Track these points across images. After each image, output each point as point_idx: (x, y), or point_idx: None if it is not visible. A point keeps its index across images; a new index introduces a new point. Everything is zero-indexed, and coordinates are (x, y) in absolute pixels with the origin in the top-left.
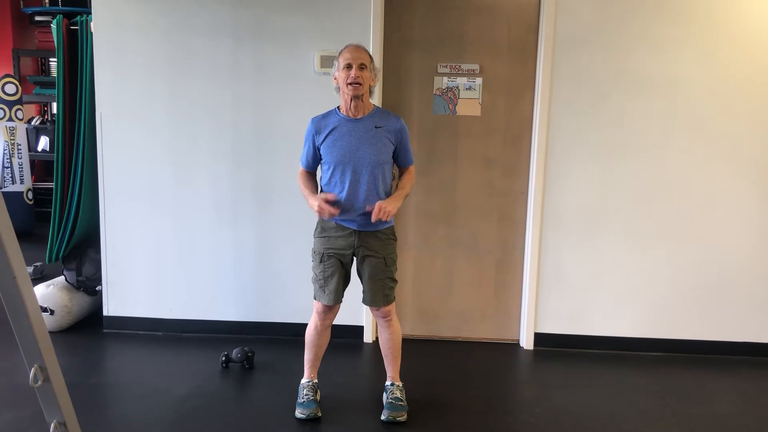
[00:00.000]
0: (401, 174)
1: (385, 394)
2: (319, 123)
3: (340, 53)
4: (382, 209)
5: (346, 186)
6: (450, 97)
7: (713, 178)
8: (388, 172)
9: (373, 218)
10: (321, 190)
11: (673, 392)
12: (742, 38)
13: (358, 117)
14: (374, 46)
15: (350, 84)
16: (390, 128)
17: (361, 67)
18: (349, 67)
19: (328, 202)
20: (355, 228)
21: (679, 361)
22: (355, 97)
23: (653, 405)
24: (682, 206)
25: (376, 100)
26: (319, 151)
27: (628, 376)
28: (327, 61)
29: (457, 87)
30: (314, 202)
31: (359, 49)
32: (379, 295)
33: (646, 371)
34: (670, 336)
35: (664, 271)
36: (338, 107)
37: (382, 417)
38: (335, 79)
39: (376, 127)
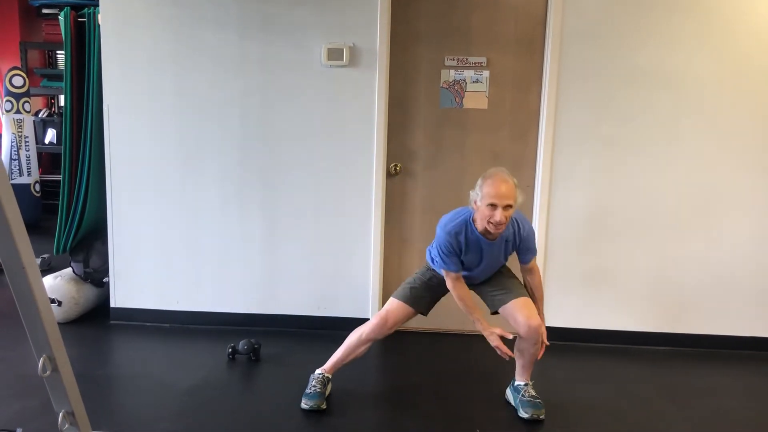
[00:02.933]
0: (525, 273)
1: (513, 392)
2: (456, 238)
3: (483, 181)
4: (544, 339)
5: (470, 277)
6: (457, 90)
7: (721, 173)
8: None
9: (540, 356)
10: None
11: (679, 386)
12: (753, 32)
13: (494, 238)
14: (381, 39)
15: (493, 224)
16: (517, 237)
17: (507, 207)
18: (493, 206)
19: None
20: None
21: (686, 356)
22: (498, 232)
23: (659, 399)
24: (690, 201)
25: (383, 93)
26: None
27: (635, 370)
28: (334, 54)
29: (464, 80)
30: (492, 338)
31: (508, 185)
32: (513, 292)
33: (652, 365)
34: (676, 330)
35: (670, 265)
36: (472, 219)
37: (523, 415)
38: (475, 204)
39: (506, 241)
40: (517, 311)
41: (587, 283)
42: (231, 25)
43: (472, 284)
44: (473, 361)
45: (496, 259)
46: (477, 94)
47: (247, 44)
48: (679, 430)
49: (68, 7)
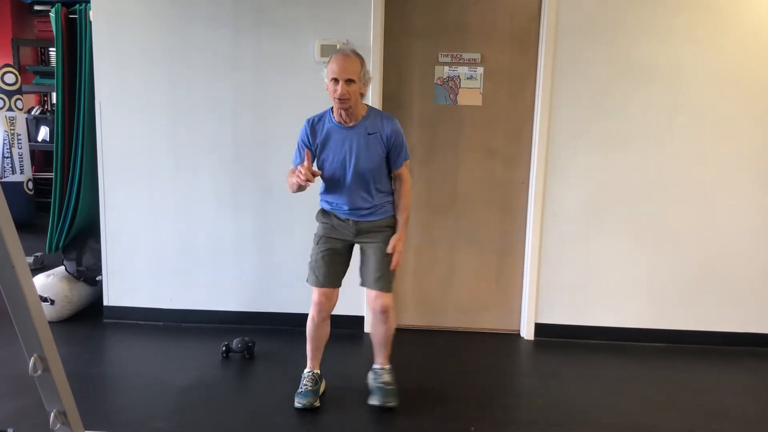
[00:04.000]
0: (395, 181)
1: (372, 377)
2: (313, 126)
3: (329, 60)
4: (397, 252)
5: (343, 190)
6: (451, 87)
7: (715, 169)
8: (382, 174)
9: (394, 266)
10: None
11: (674, 383)
12: (748, 28)
13: (351, 124)
14: (375, 34)
15: (338, 99)
16: (382, 134)
17: (348, 81)
18: (335, 81)
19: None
20: (352, 218)
21: (681, 352)
22: (343, 109)
23: (654, 396)
24: (684, 197)
25: (376, 90)
26: (312, 153)
27: (629, 367)
28: (327, 50)
29: (458, 76)
30: (296, 173)
31: (348, 59)
32: (379, 281)
33: (647, 362)
34: (671, 327)
35: (665, 261)
36: (332, 109)
37: (373, 402)
38: (325, 84)
39: (368, 134)
40: (372, 291)
41: (581, 280)
42: (224, 22)
43: (356, 209)
44: (467, 359)
45: (362, 156)
46: (471, 91)
47: (240, 41)
48: (673, 426)
49: (59, 4)
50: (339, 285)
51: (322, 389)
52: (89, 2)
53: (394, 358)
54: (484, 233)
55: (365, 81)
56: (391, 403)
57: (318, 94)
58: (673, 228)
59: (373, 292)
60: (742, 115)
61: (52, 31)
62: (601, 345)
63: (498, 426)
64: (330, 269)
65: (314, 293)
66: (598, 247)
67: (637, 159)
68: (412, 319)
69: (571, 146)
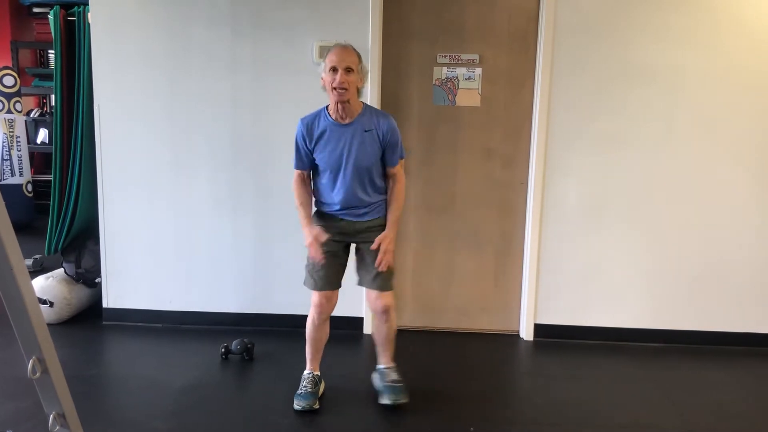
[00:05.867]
0: (388, 179)
1: (378, 378)
2: (308, 125)
3: (326, 53)
4: (386, 252)
5: (338, 189)
6: (449, 88)
7: (714, 169)
8: (378, 172)
9: (383, 267)
10: (314, 186)
11: (673, 383)
12: (746, 28)
13: (347, 122)
14: (373, 36)
15: (335, 89)
16: (378, 131)
17: (347, 70)
18: (334, 70)
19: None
20: (348, 218)
21: (679, 352)
22: (342, 102)
23: (653, 395)
24: (682, 197)
25: (375, 91)
26: (311, 152)
27: (628, 367)
28: (326, 52)
29: (457, 77)
30: (308, 238)
31: (346, 50)
32: (377, 279)
33: (646, 362)
34: (670, 327)
35: (664, 262)
36: (327, 108)
37: (384, 401)
38: (322, 80)
39: (365, 131)
40: (372, 291)
41: (580, 280)
42: (223, 23)
43: (352, 209)
44: (467, 359)
45: (359, 153)
46: (470, 92)
47: (238, 42)
48: (672, 426)
49: (58, 6)
50: (339, 286)
51: (321, 391)
52: (88, 4)
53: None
54: (483, 234)
55: (363, 75)
56: (403, 401)
57: (317, 96)
58: (671, 228)
59: (374, 293)
60: (740, 114)
61: (50, 33)
62: (600, 345)
63: (497, 426)
64: (329, 272)
65: (314, 296)
66: (597, 247)
67: (636, 159)
68: (411, 319)
69: (570, 146)
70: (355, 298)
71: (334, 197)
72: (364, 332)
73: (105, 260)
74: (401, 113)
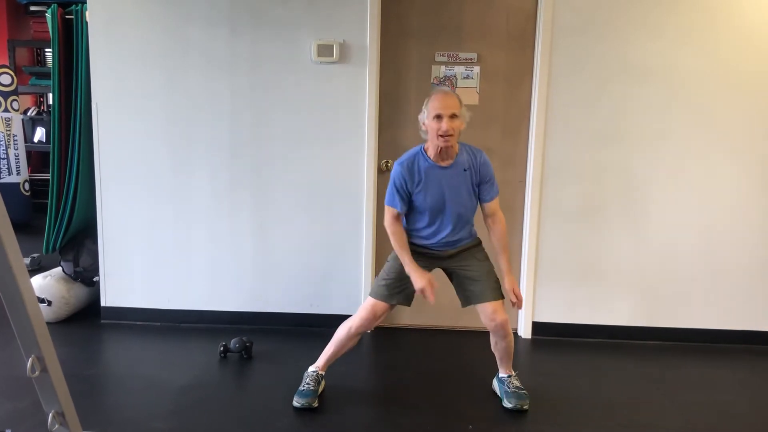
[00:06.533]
0: (487, 217)
1: (499, 385)
2: (409, 167)
3: (429, 100)
4: (519, 296)
5: (436, 229)
6: (448, 86)
7: (712, 167)
8: (473, 210)
9: (520, 307)
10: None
11: (672, 381)
12: (743, 27)
13: (448, 164)
14: (371, 34)
15: (441, 136)
16: (475, 166)
17: (452, 117)
18: (439, 117)
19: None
20: (449, 249)
21: (678, 350)
22: (447, 147)
23: (652, 393)
24: (681, 195)
25: (373, 89)
26: (410, 194)
27: (627, 365)
28: (324, 50)
29: (455, 76)
30: (420, 282)
31: (450, 97)
32: (494, 291)
33: (644, 360)
34: (668, 325)
35: (662, 259)
36: (424, 149)
37: (508, 405)
38: (423, 125)
39: (464, 170)
40: (486, 307)
41: (578, 278)
42: (221, 22)
43: (447, 243)
44: (465, 358)
45: (459, 195)
46: (468, 90)
47: (236, 41)
48: (670, 423)
49: (56, 5)
50: (402, 303)
51: (321, 389)
52: (85, 3)
53: (391, 357)
54: (481, 232)
55: (464, 118)
56: (526, 406)
57: (315, 93)
58: (669, 226)
59: (489, 307)
60: (737, 113)
61: (48, 31)
62: (598, 343)
63: (495, 425)
64: (404, 292)
65: (373, 305)
66: (595, 245)
67: (634, 158)
68: (410, 318)
69: (568, 145)
70: (356, 298)
71: (432, 237)
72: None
73: (103, 259)
74: (399, 112)
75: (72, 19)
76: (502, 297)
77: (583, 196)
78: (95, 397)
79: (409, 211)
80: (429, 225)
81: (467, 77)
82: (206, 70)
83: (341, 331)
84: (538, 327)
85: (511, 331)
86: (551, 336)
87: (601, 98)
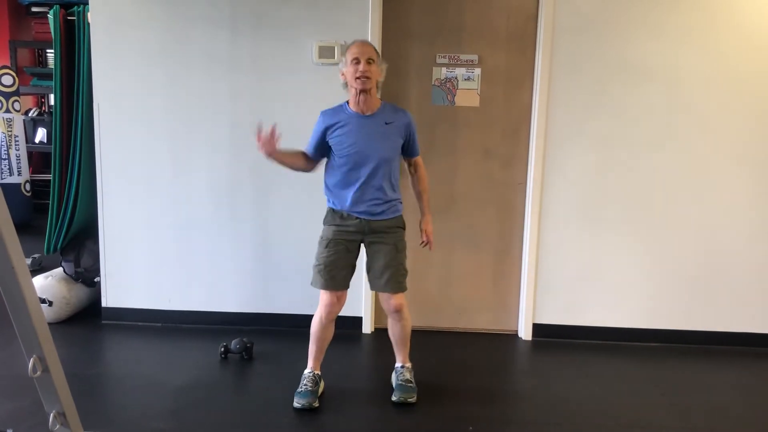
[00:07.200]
0: (410, 167)
1: (394, 376)
2: (330, 117)
3: (347, 49)
4: (429, 235)
5: (358, 182)
6: (449, 88)
7: (712, 169)
8: (396, 167)
9: (432, 248)
10: (326, 186)
11: (672, 383)
12: (743, 27)
13: (368, 114)
14: (373, 36)
15: (358, 78)
16: (399, 124)
17: (369, 61)
18: (356, 61)
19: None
20: (364, 217)
21: (678, 352)
22: (363, 92)
23: (651, 395)
24: (681, 197)
25: None
26: (328, 144)
27: (627, 367)
28: (325, 52)
29: (456, 78)
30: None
31: (366, 44)
32: (390, 282)
33: (644, 362)
34: (668, 327)
35: (662, 261)
36: (347, 102)
37: (393, 398)
38: (342, 75)
39: (386, 123)
40: (384, 305)
41: (579, 280)
42: (222, 23)
43: (368, 212)
44: (465, 359)
45: (379, 144)
46: (469, 92)
47: (238, 42)
48: (670, 425)
49: (57, 6)
50: (348, 287)
51: (320, 390)
52: (87, 4)
53: (391, 358)
54: (481, 234)
55: (382, 68)
56: (411, 400)
57: (316, 95)
58: (669, 227)
59: (385, 294)
60: (738, 113)
61: (49, 32)
62: (599, 345)
63: (495, 426)
64: (340, 272)
65: (324, 295)
66: (596, 247)
67: (634, 159)
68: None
69: (569, 146)
70: (356, 298)
71: (352, 194)
72: (363, 332)
73: (104, 259)
74: None
75: (74, 20)
76: (403, 290)
77: (583, 197)
78: (96, 397)
79: (330, 171)
80: (350, 181)
81: (468, 79)
82: (208, 71)
83: (314, 326)
84: (538, 329)
85: (409, 317)
86: (551, 338)
87: (602, 99)
